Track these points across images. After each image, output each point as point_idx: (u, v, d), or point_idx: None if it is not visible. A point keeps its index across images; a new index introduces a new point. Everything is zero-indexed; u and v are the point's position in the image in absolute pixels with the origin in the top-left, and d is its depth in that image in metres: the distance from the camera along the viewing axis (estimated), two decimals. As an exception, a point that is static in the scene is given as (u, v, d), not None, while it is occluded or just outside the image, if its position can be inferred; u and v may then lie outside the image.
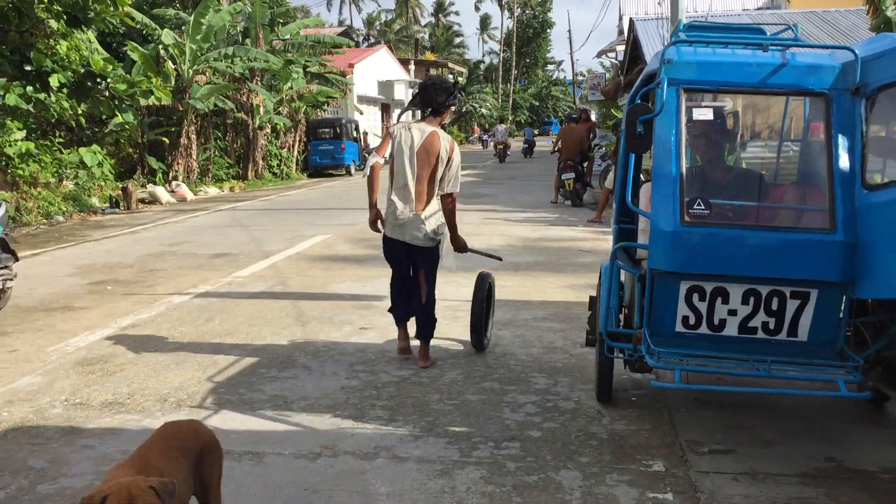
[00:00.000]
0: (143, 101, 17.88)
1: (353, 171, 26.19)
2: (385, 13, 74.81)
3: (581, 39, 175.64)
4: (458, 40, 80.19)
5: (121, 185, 16.45)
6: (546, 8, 77.50)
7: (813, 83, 3.42)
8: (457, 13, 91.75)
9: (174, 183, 18.60)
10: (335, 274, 8.10)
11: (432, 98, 4.73)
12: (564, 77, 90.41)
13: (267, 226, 12.32)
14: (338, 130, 25.72)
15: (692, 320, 3.43)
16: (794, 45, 3.77)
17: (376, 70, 39.13)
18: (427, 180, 4.67)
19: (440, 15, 78.52)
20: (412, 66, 43.06)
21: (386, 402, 4.28)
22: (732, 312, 3.39)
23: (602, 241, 10.22)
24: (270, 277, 7.99)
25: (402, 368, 4.90)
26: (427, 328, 4.89)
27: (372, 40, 62.92)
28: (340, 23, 63.77)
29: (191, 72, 19.26)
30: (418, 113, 4.93)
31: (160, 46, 19.11)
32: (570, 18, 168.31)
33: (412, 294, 4.93)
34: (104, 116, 18.21)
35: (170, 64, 19.25)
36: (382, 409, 4.19)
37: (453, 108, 4.93)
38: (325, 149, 25.71)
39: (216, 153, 21.59)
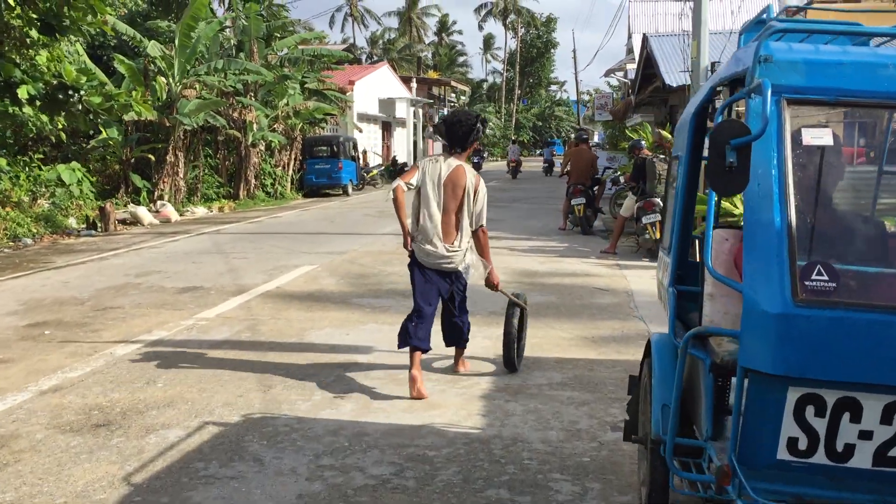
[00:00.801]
0: (125, 116, 16.94)
1: (350, 191, 25.14)
2: (389, 32, 74.43)
3: (585, 59, 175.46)
4: (461, 59, 79.72)
5: (99, 205, 15.37)
6: (550, 28, 77.00)
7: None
8: (460, 32, 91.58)
9: (159, 203, 17.55)
10: (315, 316, 6.99)
11: (458, 133, 4.83)
12: (568, 97, 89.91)
13: (249, 253, 11.23)
14: (335, 149, 24.69)
15: (803, 444, 2.31)
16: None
17: (377, 87, 38.25)
18: (453, 212, 4.80)
19: (443, 34, 78.07)
20: (414, 84, 42.20)
21: (356, 522, 3.15)
22: (866, 435, 2.27)
23: (619, 277, 9.11)
24: (239, 320, 6.87)
25: (383, 462, 3.77)
26: (458, 334, 5.09)
27: (375, 58, 62.29)
28: (344, 41, 63.14)
29: (178, 86, 18.27)
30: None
31: (147, 59, 18.18)
32: (575, 38, 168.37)
33: (432, 318, 4.94)
34: (90, 131, 17.29)
35: (162, 79, 18.31)
36: (350, 533, 3.06)
37: (477, 143, 5.10)
38: (322, 168, 24.67)
39: (206, 171, 20.56)
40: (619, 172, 11.79)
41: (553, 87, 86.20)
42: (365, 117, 36.60)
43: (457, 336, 5.11)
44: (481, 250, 4.95)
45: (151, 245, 12.45)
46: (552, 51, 78.75)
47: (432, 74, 53.92)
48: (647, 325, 6.68)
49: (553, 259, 10.49)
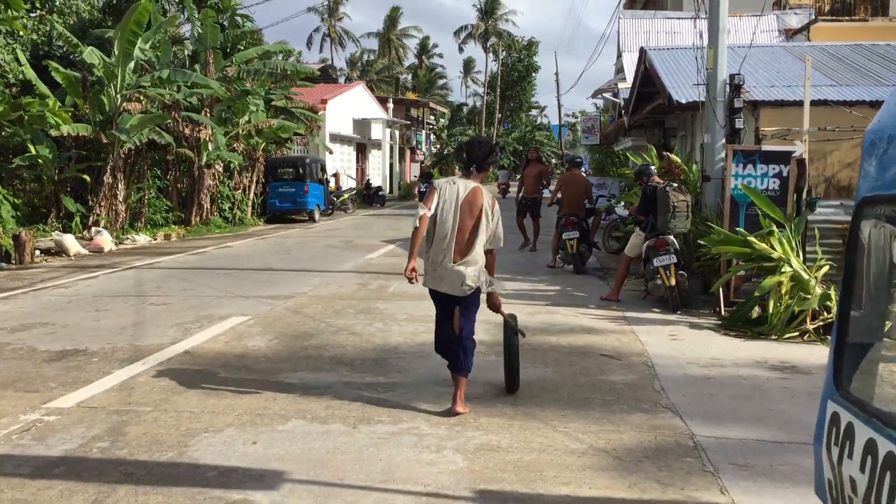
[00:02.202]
0: (52, 131, 14.88)
1: (317, 216, 23.12)
2: (368, 53, 72.92)
3: (567, 85, 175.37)
4: (441, 82, 78.30)
5: (13, 233, 13.20)
6: (531, 52, 75.99)
7: None
8: (440, 55, 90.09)
9: (94, 230, 15.40)
10: (218, 407, 4.97)
11: (476, 156, 5.00)
12: (549, 122, 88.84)
13: (173, 295, 9.17)
14: (300, 171, 22.70)
15: None
16: None
17: (352, 107, 36.43)
18: (469, 232, 4.86)
19: (423, 57, 76.71)
20: (390, 105, 40.41)
21: None
22: None
23: (629, 336, 7.19)
24: (106, 414, 4.83)
25: None
26: (462, 360, 4.90)
27: (355, 80, 60.55)
28: (322, 62, 61.36)
29: (119, 98, 16.23)
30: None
31: (86, 68, 16.17)
32: (557, 60, 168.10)
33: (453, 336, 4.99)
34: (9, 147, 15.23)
35: (112, 90, 16.29)
36: None
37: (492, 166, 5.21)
38: (286, 191, 22.65)
39: (154, 194, 18.45)
40: (619, 202, 9.85)
41: (533, 112, 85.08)
42: (338, 138, 34.73)
43: (455, 357, 4.94)
44: (489, 269, 5.00)
45: (61, 283, 10.34)
46: (533, 74, 77.75)
47: (411, 95, 52.23)
48: (687, 422, 4.74)
49: (544, 308, 8.56)
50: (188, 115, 18.02)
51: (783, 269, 7.32)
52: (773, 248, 7.47)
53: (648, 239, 8.61)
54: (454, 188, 4.90)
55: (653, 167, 8.99)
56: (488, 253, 4.94)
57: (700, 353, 6.57)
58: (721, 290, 8.16)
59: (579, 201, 11.78)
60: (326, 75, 49.03)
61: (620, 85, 20.67)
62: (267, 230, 20.04)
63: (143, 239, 16.49)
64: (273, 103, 24.46)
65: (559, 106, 58.75)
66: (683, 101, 10.98)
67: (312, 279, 10.60)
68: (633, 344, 6.90)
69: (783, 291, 7.29)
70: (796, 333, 7.21)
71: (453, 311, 4.95)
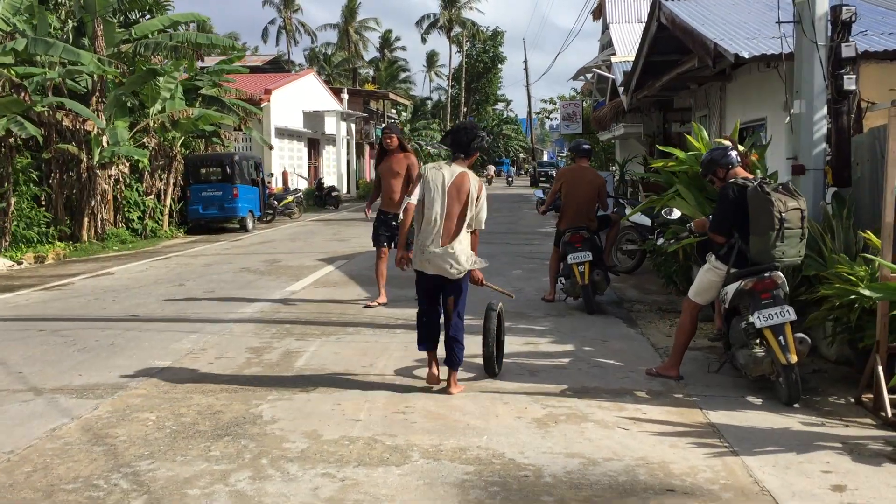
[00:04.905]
0: None
1: (250, 224, 19.13)
2: (327, 46, 68.67)
3: (534, 77, 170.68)
4: (403, 75, 74.34)
5: None
6: (497, 42, 72.45)
7: None
8: (403, 48, 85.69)
9: (-72, 253, 11.35)
10: None
11: (463, 141, 5.07)
12: (516, 116, 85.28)
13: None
14: (228, 170, 18.68)
15: None
16: None
17: (302, 99, 32.43)
18: (456, 217, 4.95)
19: (386, 50, 72.68)
20: (345, 96, 36.38)
21: None
22: None
23: (747, 485, 3.50)
24: None
25: None
26: (455, 356, 5.06)
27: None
28: (279, 56, 56.94)
29: (-41, 77, 12.18)
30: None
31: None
32: (526, 48, 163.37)
33: (439, 323, 5.15)
34: None
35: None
36: None
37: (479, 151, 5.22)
38: (211, 195, 18.61)
39: (26, 202, 14.37)
40: (674, 214, 5.92)
41: (499, 106, 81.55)
42: (286, 133, 30.74)
43: (450, 351, 5.05)
44: (472, 248, 5.07)
45: None
46: (499, 66, 74.25)
47: (369, 87, 48.18)
48: None
49: (558, 403, 4.84)
50: (61, 100, 13.90)
51: None
52: None
53: (739, 279, 4.93)
54: (440, 173, 4.99)
55: (734, 153, 5.29)
56: (472, 233, 5.04)
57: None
58: (878, 364, 4.52)
59: (589, 207, 8.09)
60: (278, 67, 44.88)
61: (614, 59, 17.03)
62: (182, 245, 16.04)
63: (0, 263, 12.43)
64: (201, 91, 20.49)
65: (528, 96, 55.25)
66: (746, 56, 7.33)
67: (182, 340, 6.74)
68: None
69: None
70: None
71: (439, 293, 5.08)
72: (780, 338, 4.66)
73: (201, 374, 5.62)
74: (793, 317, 4.71)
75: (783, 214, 4.81)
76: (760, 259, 4.90)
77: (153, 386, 5.33)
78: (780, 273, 4.87)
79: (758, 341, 4.86)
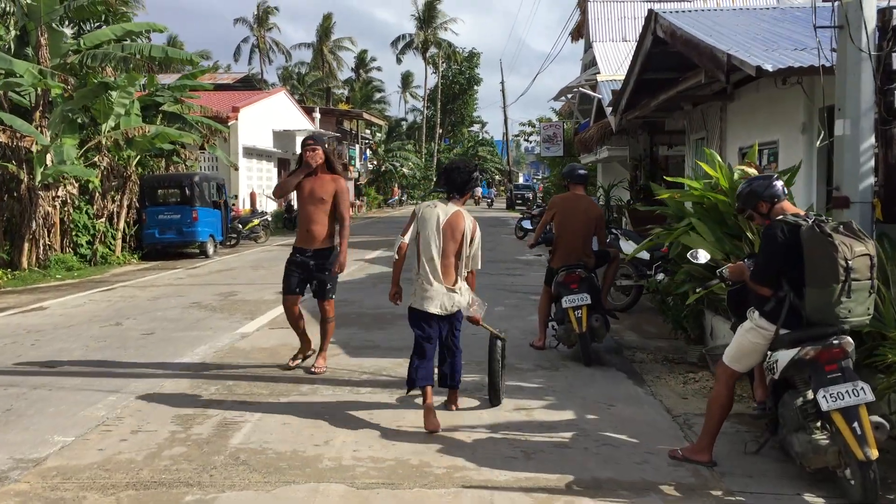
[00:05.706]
0: None
1: (210, 250, 17.81)
2: (301, 66, 67.65)
3: (511, 100, 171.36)
4: (378, 96, 73.51)
5: None
6: (473, 63, 71.97)
7: None
8: (379, 69, 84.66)
9: None
10: None
11: (457, 182, 5.03)
12: (492, 137, 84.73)
13: None
14: (187, 192, 17.38)
15: None
16: None
17: (272, 118, 31.28)
18: (452, 255, 4.94)
19: (361, 70, 71.85)
20: (317, 115, 35.28)
21: None
22: None
23: None
24: None
25: None
26: (457, 376, 5.16)
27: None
28: (252, 75, 55.65)
29: None
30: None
31: None
32: (503, 68, 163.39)
33: (435, 356, 5.12)
34: None
35: None
36: None
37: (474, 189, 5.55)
38: (168, 218, 17.29)
39: (-43, 227, 13.01)
40: (701, 257, 4.89)
41: (475, 128, 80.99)
42: (254, 152, 29.52)
43: (450, 378, 5.15)
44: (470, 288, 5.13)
45: None
46: (475, 87, 73.72)
47: (343, 106, 47.11)
48: None
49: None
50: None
51: None
52: None
53: (796, 344, 3.86)
54: (434, 211, 4.97)
55: (779, 183, 4.25)
56: (469, 273, 5.09)
57: None
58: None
59: (585, 241, 7.02)
60: (249, 85, 43.64)
61: (600, 78, 16.12)
62: (133, 272, 14.73)
63: (-80, 296, 11.06)
64: (162, 108, 19.26)
65: (505, 118, 54.56)
66: (769, 68, 6.33)
67: (98, 403, 5.51)
68: None
69: None
70: None
71: (437, 330, 5.01)
72: (855, 424, 3.59)
73: (107, 458, 4.40)
74: (870, 397, 3.64)
75: (849, 262, 3.77)
76: (819, 318, 3.85)
77: (39, 478, 4.11)
78: (849, 339, 3.81)
79: (818, 424, 3.80)
